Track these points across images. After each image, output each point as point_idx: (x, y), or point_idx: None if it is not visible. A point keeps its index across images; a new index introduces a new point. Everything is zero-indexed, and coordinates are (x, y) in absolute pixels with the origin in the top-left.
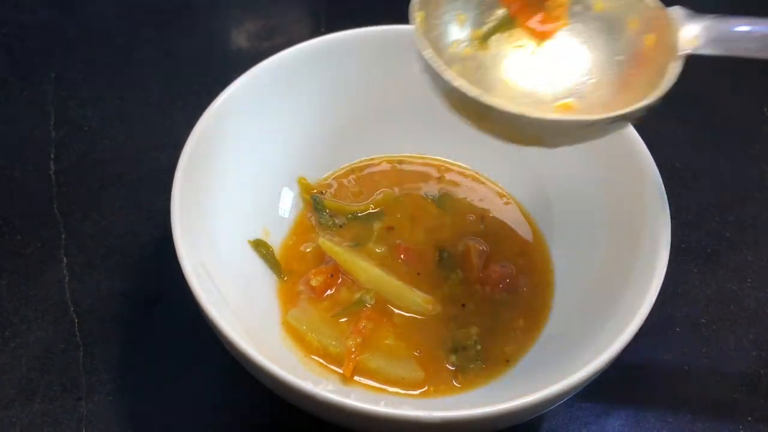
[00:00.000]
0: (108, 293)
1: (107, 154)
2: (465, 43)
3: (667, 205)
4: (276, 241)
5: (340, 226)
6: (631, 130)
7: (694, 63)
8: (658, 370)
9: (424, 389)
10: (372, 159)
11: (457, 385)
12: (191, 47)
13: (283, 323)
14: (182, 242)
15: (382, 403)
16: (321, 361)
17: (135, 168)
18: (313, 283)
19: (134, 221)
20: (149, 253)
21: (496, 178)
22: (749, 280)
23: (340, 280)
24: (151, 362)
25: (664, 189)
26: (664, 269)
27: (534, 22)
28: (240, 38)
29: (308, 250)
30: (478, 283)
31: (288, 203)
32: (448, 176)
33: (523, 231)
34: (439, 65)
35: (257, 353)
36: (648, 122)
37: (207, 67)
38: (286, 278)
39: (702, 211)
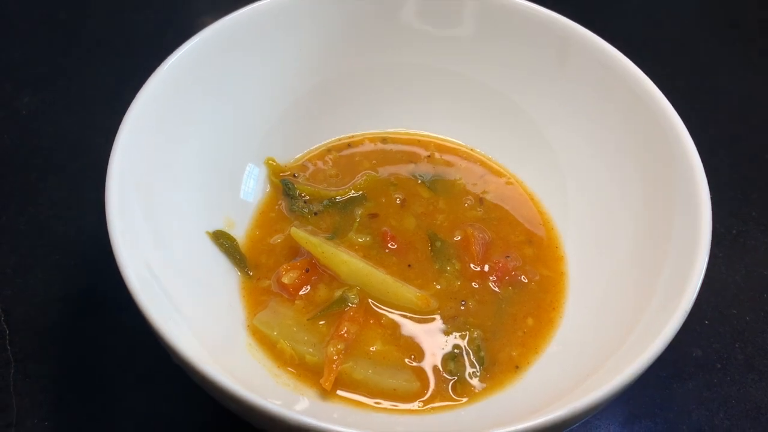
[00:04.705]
0: (45, 299)
1: (47, 142)
2: None
3: (708, 195)
4: (240, 232)
5: (316, 214)
6: (666, 104)
7: (701, 34)
8: (687, 369)
9: (420, 403)
10: (352, 137)
11: (458, 397)
12: (144, 20)
13: (249, 328)
14: (122, 246)
15: (371, 424)
16: (296, 372)
17: (79, 156)
18: (285, 280)
19: (77, 216)
20: (93, 251)
21: (496, 155)
22: None
23: (316, 276)
24: (94, 380)
25: (704, 174)
26: (703, 270)
27: None
28: (198, 6)
29: (278, 241)
30: (479, 277)
31: (254, 189)
32: (439, 155)
33: (530, 215)
34: None
35: (216, 369)
36: None
37: (162, 42)
38: (252, 275)
39: (723, 189)
